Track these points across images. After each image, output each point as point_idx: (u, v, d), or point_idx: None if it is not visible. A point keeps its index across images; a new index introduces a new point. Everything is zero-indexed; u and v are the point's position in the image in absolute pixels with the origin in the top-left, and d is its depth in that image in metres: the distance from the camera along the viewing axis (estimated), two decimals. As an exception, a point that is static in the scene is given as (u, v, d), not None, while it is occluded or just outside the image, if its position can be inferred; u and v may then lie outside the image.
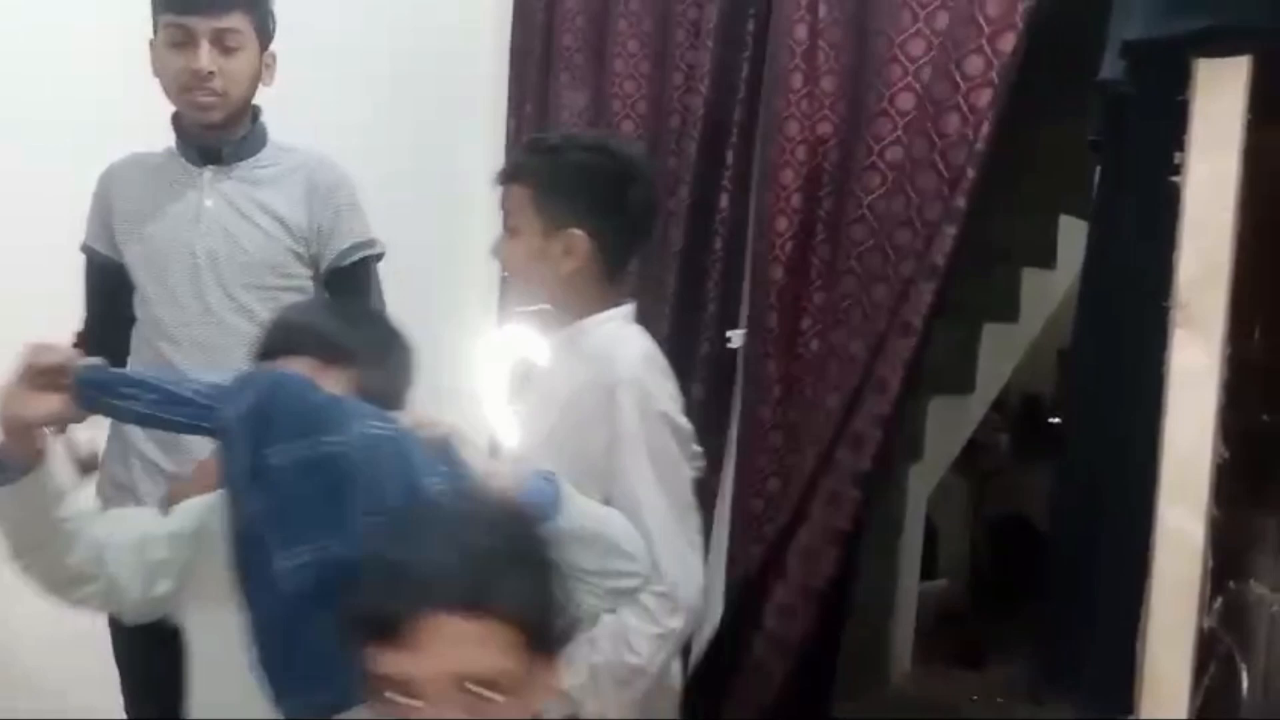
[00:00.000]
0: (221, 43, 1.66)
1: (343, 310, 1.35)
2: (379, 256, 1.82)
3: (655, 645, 1.34)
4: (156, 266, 1.74)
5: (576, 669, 1.31)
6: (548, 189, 1.47)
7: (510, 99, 2.59)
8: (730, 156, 2.27)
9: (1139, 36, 1.08)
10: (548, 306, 1.57)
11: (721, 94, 2.26)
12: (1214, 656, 0.98)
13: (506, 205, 1.52)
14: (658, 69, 2.37)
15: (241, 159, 1.74)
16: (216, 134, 1.72)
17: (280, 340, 1.25)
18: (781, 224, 2.17)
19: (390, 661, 0.87)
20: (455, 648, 0.86)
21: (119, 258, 1.76)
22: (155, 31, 1.68)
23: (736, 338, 2.34)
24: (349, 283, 1.76)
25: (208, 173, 1.72)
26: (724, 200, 2.28)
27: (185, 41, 1.65)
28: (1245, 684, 0.98)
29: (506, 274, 1.61)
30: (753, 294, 2.22)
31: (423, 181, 2.49)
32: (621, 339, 1.50)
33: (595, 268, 1.49)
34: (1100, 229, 1.26)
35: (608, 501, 1.35)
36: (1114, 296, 1.19)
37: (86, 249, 1.80)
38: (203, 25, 1.65)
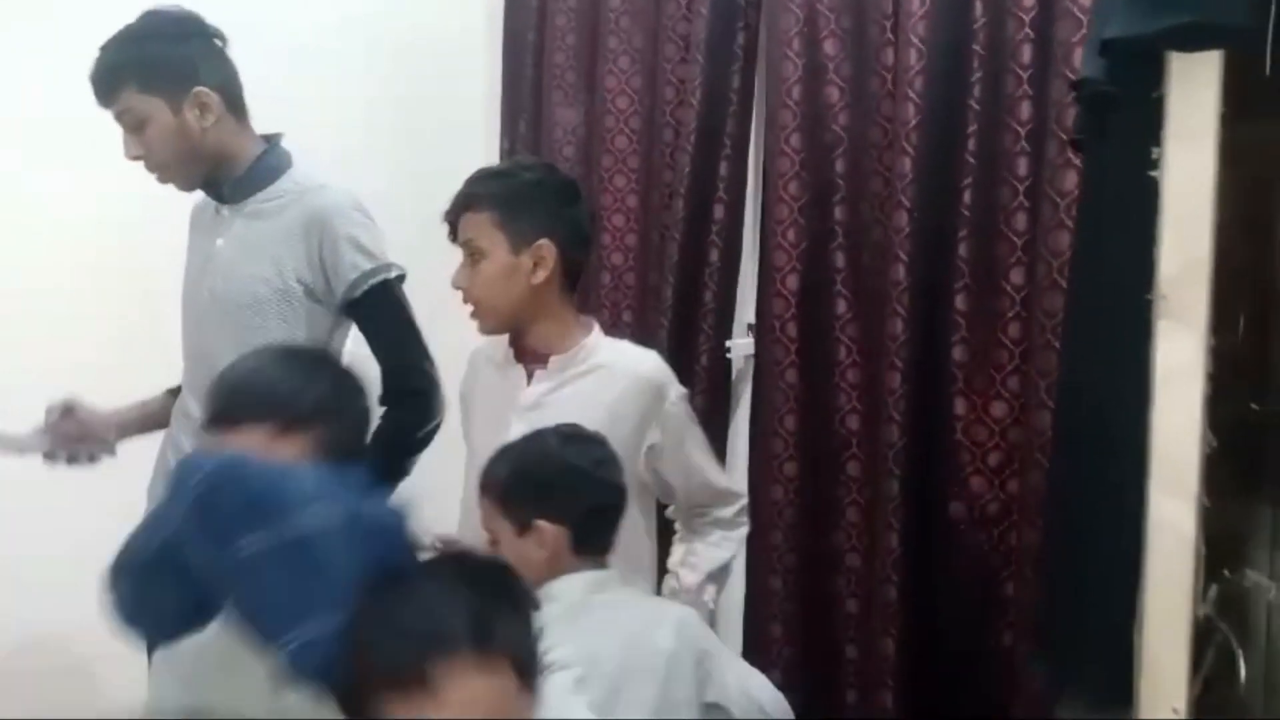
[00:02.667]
0: (124, 124, 1.65)
1: (290, 366, 1.24)
2: (399, 278, 1.73)
3: (737, 546, 1.79)
4: (185, 308, 1.78)
5: (689, 577, 1.70)
6: (510, 208, 1.58)
7: (503, 119, 2.63)
8: (724, 168, 2.30)
9: (1117, 34, 1.11)
10: (513, 330, 1.65)
11: (713, 107, 2.30)
12: (1211, 645, 0.99)
13: (466, 235, 1.60)
14: (649, 84, 2.41)
15: (247, 196, 1.71)
16: (216, 176, 1.71)
17: (231, 407, 1.19)
18: (794, 235, 2.20)
19: (411, 708, 0.92)
20: (470, 688, 0.92)
21: None
22: None
23: (737, 348, 2.36)
24: (367, 312, 1.70)
25: (225, 211, 1.73)
26: (719, 212, 2.32)
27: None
28: (1243, 671, 0.99)
29: (472, 303, 1.62)
30: (769, 305, 2.24)
31: (416, 204, 2.51)
32: (630, 349, 1.71)
33: (559, 278, 1.63)
34: (1084, 226, 1.28)
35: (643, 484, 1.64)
36: (1099, 291, 1.21)
37: None
38: (111, 113, 1.65)
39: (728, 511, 1.76)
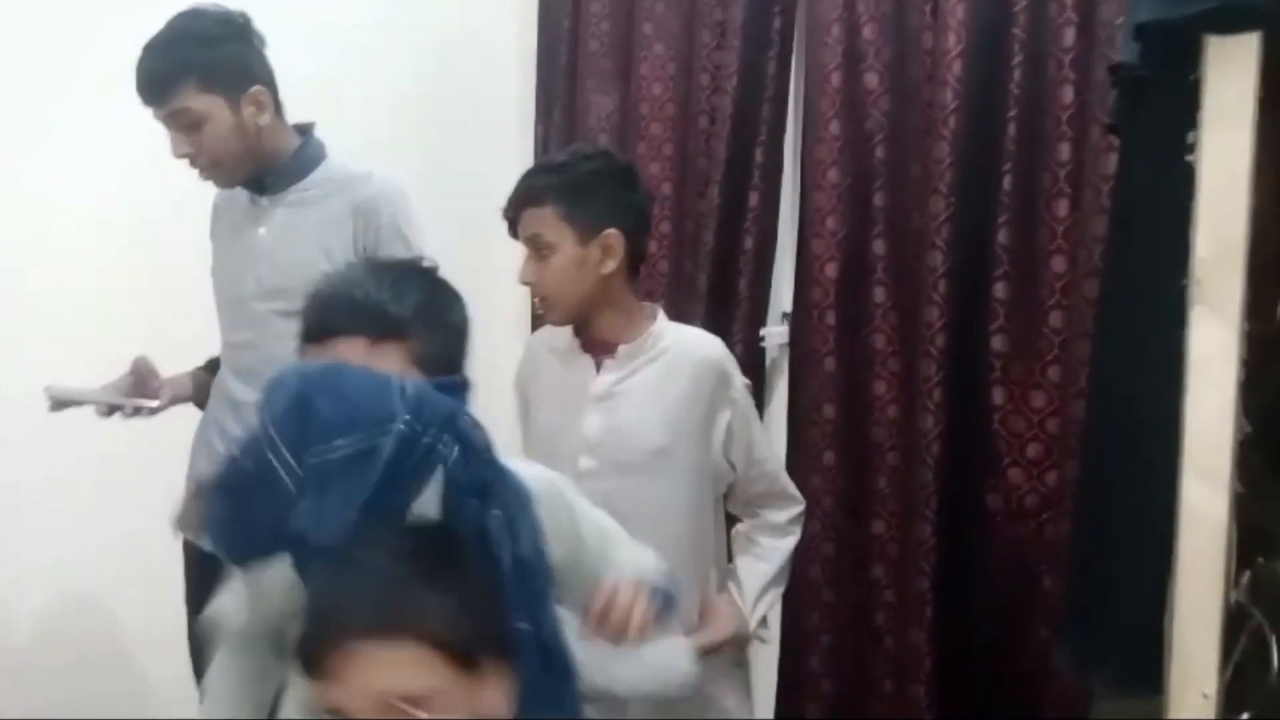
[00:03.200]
0: (180, 123, 1.65)
1: (387, 276, 1.18)
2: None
3: (784, 557, 1.75)
4: (223, 296, 1.81)
5: (752, 581, 1.70)
6: (574, 200, 1.57)
7: (538, 107, 2.64)
8: (760, 155, 2.30)
9: (1150, 18, 1.09)
10: (588, 320, 1.64)
11: (749, 93, 2.30)
12: (1243, 632, 0.98)
13: (531, 230, 1.59)
14: (684, 71, 2.41)
15: (290, 185, 1.75)
16: (259, 169, 1.73)
17: (325, 320, 1.15)
18: (833, 223, 2.19)
19: (321, 693, 0.89)
20: (373, 673, 0.87)
21: None
22: None
23: (771, 336, 2.36)
24: None
25: (264, 201, 1.76)
26: (754, 200, 2.31)
27: (165, 126, 1.67)
28: (1276, 658, 0.98)
29: (541, 297, 1.62)
30: (808, 293, 2.24)
31: (451, 191, 2.54)
32: (695, 333, 1.73)
33: (625, 266, 1.62)
34: (1121, 211, 1.27)
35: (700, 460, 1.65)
36: (1133, 277, 1.19)
37: None
38: (159, 114, 1.65)
39: (781, 517, 1.74)
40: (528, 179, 1.64)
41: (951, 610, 2.09)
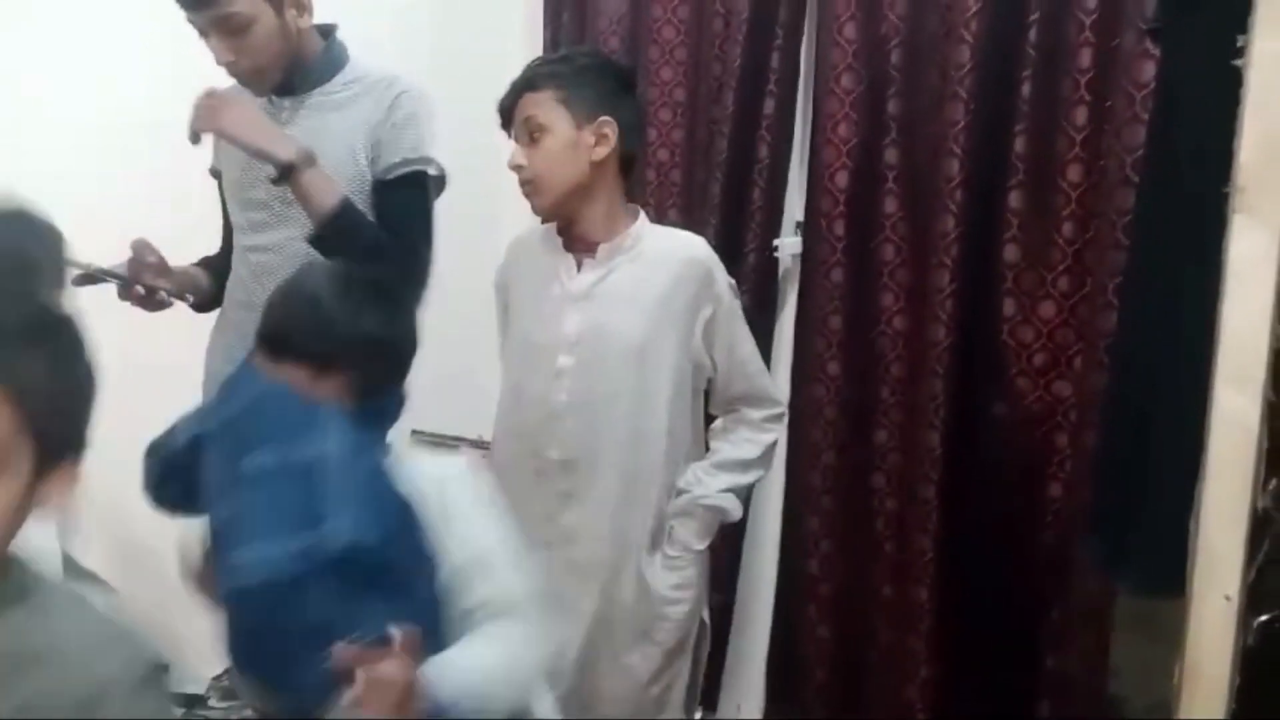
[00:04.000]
0: (228, 27, 1.61)
1: (345, 301, 1.24)
2: (437, 180, 1.76)
3: (762, 450, 1.72)
4: (241, 198, 1.78)
5: (716, 455, 1.70)
6: (575, 86, 1.59)
7: (545, 9, 2.57)
8: (776, 60, 2.25)
9: (1202, -85, 1.06)
10: (563, 216, 1.65)
11: (768, -8, 2.23)
12: (1267, 537, 1.00)
13: (526, 113, 1.60)
14: (699, -29, 2.34)
15: (315, 86, 1.73)
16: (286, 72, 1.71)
17: (279, 341, 1.24)
18: (845, 130, 2.16)
19: None
20: None
21: None
22: None
23: (784, 246, 2.35)
24: (391, 199, 1.71)
25: (287, 103, 1.74)
26: (769, 106, 2.27)
27: (204, 34, 1.64)
28: (1297, 562, 1.00)
29: (529, 180, 1.62)
30: (817, 202, 2.22)
31: (456, 96, 2.47)
32: (677, 234, 1.74)
33: (617, 158, 1.64)
34: (1161, 116, 1.25)
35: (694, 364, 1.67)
36: (1174, 183, 1.18)
37: (214, 171, 1.85)
38: (202, 20, 1.61)
39: (757, 414, 1.73)
40: (527, 70, 1.65)
41: (956, 515, 2.13)
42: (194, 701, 2.40)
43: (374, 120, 1.71)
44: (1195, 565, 1.00)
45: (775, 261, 2.36)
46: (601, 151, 1.60)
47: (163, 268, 1.71)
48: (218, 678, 2.40)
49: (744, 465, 1.71)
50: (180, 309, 1.79)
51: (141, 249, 1.70)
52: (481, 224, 2.28)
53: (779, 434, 1.80)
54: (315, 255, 1.65)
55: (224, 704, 2.40)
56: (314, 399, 1.19)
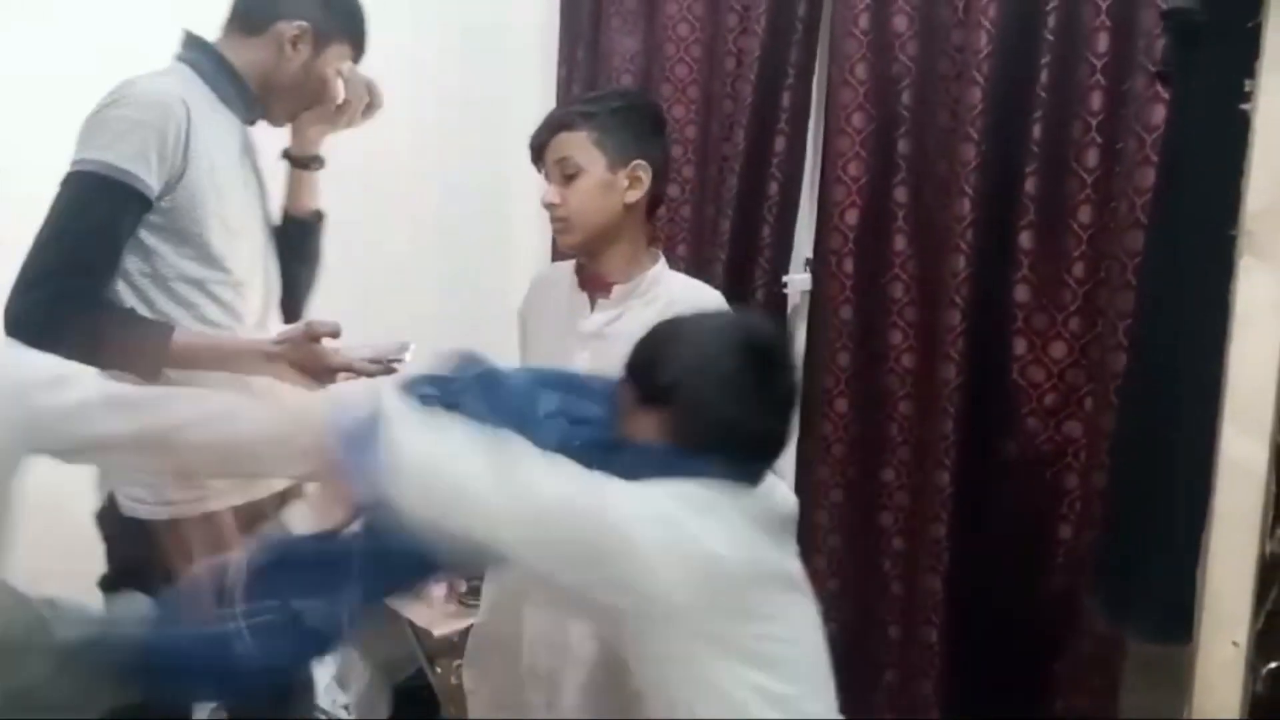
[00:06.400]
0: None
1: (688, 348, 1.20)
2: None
3: None
4: (244, 234, 1.70)
5: None
6: (611, 128, 1.60)
7: (561, 46, 2.60)
8: (787, 99, 2.27)
9: (1210, -39, 1.07)
10: (587, 253, 1.65)
11: (777, 35, 2.26)
12: (1275, 583, 0.99)
13: (560, 154, 1.61)
14: (711, 11, 2.37)
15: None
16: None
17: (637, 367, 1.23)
18: (855, 168, 2.17)
19: None
20: None
21: None
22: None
23: (794, 283, 2.35)
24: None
25: (247, 131, 1.74)
26: (780, 144, 2.29)
27: None
28: (1307, 609, 0.99)
29: (562, 218, 1.62)
30: (826, 240, 2.22)
31: (471, 131, 2.50)
32: (693, 283, 1.71)
33: (647, 201, 1.65)
34: (1170, 159, 1.25)
35: None
36: (1182, 226, 1.18)
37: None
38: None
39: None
40: (561, 109, 1.67)
41: (965, 556, 2.11)
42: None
43: None
44: (1203, 611, 0.99)
45: (784, 298, 2.36)
46: (634, 194, 1.62)
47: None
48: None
49: None
50: None
51: (319, 330, 1.55)
52: (493, 248, 2.30)
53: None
54: None
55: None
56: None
